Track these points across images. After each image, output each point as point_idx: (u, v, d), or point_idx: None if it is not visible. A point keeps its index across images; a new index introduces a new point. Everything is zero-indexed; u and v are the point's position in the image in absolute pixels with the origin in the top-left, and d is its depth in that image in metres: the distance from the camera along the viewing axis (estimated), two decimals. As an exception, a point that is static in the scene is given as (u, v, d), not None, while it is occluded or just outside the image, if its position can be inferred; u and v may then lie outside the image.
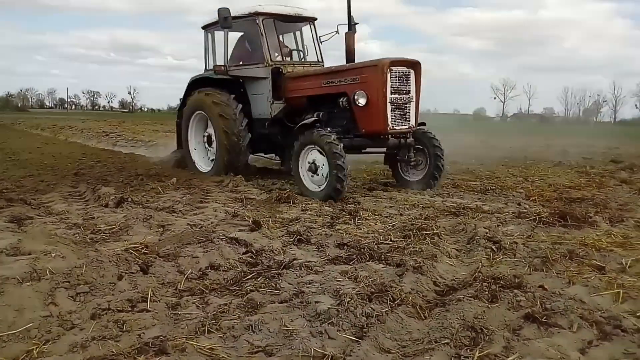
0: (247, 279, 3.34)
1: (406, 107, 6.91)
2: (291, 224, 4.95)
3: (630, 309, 2.95)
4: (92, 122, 31.95)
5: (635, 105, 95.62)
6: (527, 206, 6.17)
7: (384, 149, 7.41)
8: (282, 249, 4.07)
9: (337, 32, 8.00)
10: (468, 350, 2.37)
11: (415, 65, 6.95)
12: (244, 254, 3.88)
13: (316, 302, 2.92)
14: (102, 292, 3.00)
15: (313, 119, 6.99)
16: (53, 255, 3.36)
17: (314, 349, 2.37)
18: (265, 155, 9.13)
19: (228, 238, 4.12)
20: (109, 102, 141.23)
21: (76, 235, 4.31)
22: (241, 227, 4.67)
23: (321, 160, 6.49)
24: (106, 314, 2.74)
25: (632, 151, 16.43)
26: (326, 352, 2.35)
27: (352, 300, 2.88)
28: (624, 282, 3.35)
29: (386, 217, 5.46)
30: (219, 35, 8.50)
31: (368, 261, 3.78)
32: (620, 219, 5.39)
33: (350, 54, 7.76)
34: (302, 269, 3.56)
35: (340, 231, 4.70)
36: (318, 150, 6.51)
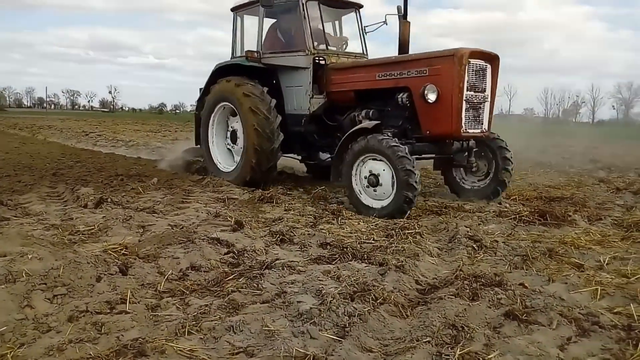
0: (228, 280, 3.31)
1: (480, 107, 5.94)
2: (274, 223, 4.92)
3: (607, 306, 3.00)
4: (72, 121, 31.47)
5: (613, 106, 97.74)
6: (507, 205, 6.24)
7: (443, 155, 6.41)
8: (264, 249, 4.04)
9: (385, 22, 7.25)
10: (449, 349, 2.38)
11: (493, 60, 6.01)
12: (225, 254, 3.84)
13: (298, 302, 2.91)
14: (80, 294, 2.94)
15: (375, 122, 5.83)
16: (29, 256, 3.29)
17: (296, 349, 2.35)
18: (288, 155, 7.95)
19: (210, 238, 4.08)
20: (89, 102, 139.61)
21: (54, 236, 4.22)
22: (223, 227, 4.62)
23: (382, 170, 5.49)
24: (84, 316, 2.68)
25: (610, 151, 16.76)
26: (308, 352, 2.33)
27: (335, 300, 2.87)
28: (602, 279, 3.41)
29: (369, 216, 5.46)
30: (250, 20, 7.70)
31: (351, 260, 3.78)
32: (598, 218, 5.49)
33: (404, 45, 6.72)
34: (285, 269, 3.54)
35: (323, 231, 4.70)
36: (377, 159, 5.52)
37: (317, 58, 6.89)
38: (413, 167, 5.25)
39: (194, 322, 2.62)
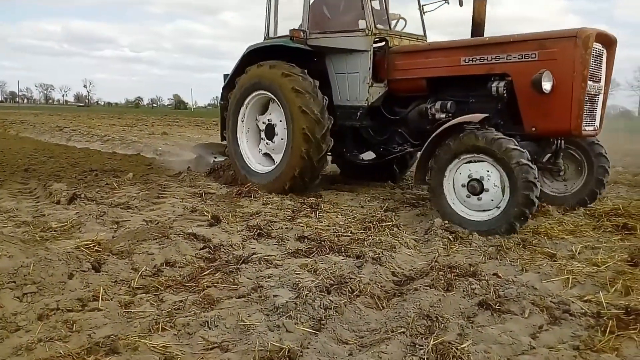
0: (204, 275, 3.27)
1: (596, 100, 5.01)
2: (252, 218, 4.89)
3: (578, 294, 3.07)
4: (46, 116, 30.74)
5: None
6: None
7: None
8: (241, 244, 4.02)
9: (446, 1, 6.54)
10: (423, 339, 2.40)
11: (612, 44, 5.03)
12: (201, 249, 3.80)
13: (275, 296, 2.90)
14: (51, 292, 2.88)
15: (483, 115, 4.71)
16: (-2, 254, 3.21)
17: (271, 343, 2.35)
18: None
19: (185, 234, 4.04)
20: (63, 96, 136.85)
21: (25, 233, 4.12)
22: (200, 222, 4.58)
23: (488, 174, 4.48)
24: (54, 314, 2.63)
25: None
26: (283, 346, 2.33)
27: (311, 293, 2.87)
28: (574, 268, 3.49)
29: (347, 209, 5.48)
30: None
31: (328, 254, 3.79)
32: (571, 208, 5.59)
33: (478, 27, 5.79)
34: (262, 263, 3.53)
35: (301, 224, 4.69)
36: (482, 161, 4.53)
37: (379, 40, 5.96)
38: (535, 178, 4.28)
39: (168, 318, 2.59)
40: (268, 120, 6.45)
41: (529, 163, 4.29)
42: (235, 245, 3.95)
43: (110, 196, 5.73)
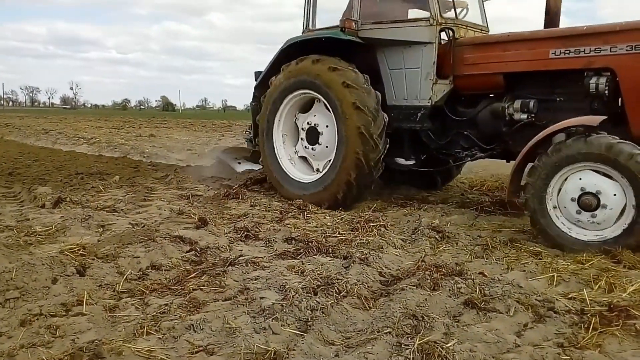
0: (190, 278, 3.25)
1: None
2: (239, 219, 4.87)
3: (563, 292, 3.10)
4: (31, 119, 30.39)
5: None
6: (470, 196, 6.36)
7: None
8: (228, 246, 4.00)
9: None
10: (409, 339, 2.41)
11: None
12: (188, 252, 3.78)
13: (261, 298, 2.89)
14: (34, 297, 2.84)
15: (601, 117, 4.00)
16: (-20, 260, 3.16)
17: (257, 346, 2.34)
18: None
19: (172, 236, 4.01)
20: (49, 98, 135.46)
21: (8, 238, 4.06)
22: (186, 225, 4.55)
23: (608, 188, 3.82)
24: (37, 319, 2.60)
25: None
26: (269, 348, 2.32)
27: (297, 295, 2.87)
28: (559, 266, 3.53)
29: (335, 210, 5.47)
30: None
31: (315, 255, 3.78)
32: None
33: (554, 17, 5.19)
34: (249, 265, 3.51)
35: (288, 226, 4.68)
36: (598, 171, 3.88)
37: (444, 30, 5.29)
38: None
39: (153, 322, 2.57)
40: (309, 122, 5.79)
41: None
42: (222, 247, 3.93)
43: (96, 199, 5.67)
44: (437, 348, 2.26)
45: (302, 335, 2.49)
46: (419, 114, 5.36)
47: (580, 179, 3.92)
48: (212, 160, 7.88)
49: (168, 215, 4.97)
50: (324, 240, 4.21)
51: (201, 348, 2.35)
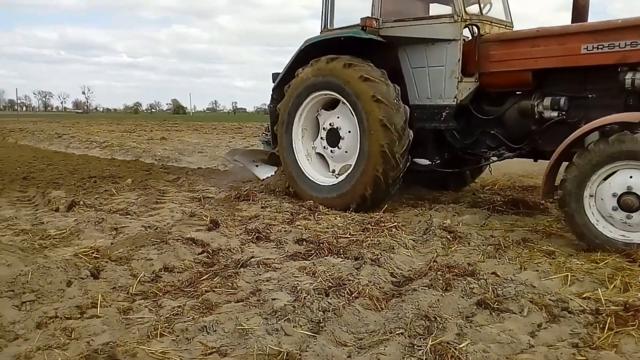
0: (202, 280, 3.27)
1: None
2: (250, 221, 4.89)
3: (577, 291, 3.07)
4: (44, 123, 30.75)
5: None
6: (482, 196, 6.32)
7: None
8: (240, 248, 4.02)
9: None
10: (422, 339, 2.40)
11: None
12: (200, 254, 3.80)
13: (273, 299, 2.90)
14: (49, 300, 2.88)
15: (635, 113, 3.95)
16: (-3, 263, 3.21)
17: (270, 347, 2.35)
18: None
19: (184, 239, 4.03)
20: (62, 103, 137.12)
21: (23, 241, 4.13)
22: (198, 227, 4.58)
23: None
24: (53, 322, 2.63)
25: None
26: (282, 349, 2.33)
27: (309, 296, 2.87)
28: (572, 266, 3.49)
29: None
30: None
31: (327, 256, 3.78)
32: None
33: (582, 12, 5.05)
34: (260, 266, 3.52)
35: (299, 227, 4.69)
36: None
37: (470, 27, 5.15)
38: None
39: (167, 324, 2.59)
40: (330, 124, 5.67)
41: None
42: (233, 249, 3.95)
43: (109, 202, 5.73)
44: (450, 349, 2.25)
45: (314, 336, 2.49)
46: (444, 113, 5.24)
47: (623, 178, 3.78)
48: (230, 164, 7.73)
49: (180, 217, 5.00)
50: (335, 241, 4.21)
51: (214, 349, 2.36)
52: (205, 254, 3.81)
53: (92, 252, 3.60)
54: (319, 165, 5.93)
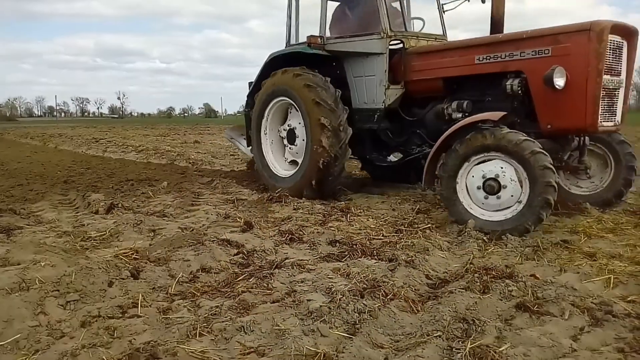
0: (238, 280, 3.32)
1: (615, 95, 4.81)
2: (283, 223, 4.93)
3: (621, 294, 2.97)
4: (82, 129, 31.74)
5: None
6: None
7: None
8: (274, 249, 4.05)
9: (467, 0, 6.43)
10: (460, 342, 2.37)
11: (632, 35, 4.82)
12: (235, 255, 3.86)
13: (308, 300, 2.92)
14: (92, 299, 2.97)
15: (501, 113, 4.64)
16: (42, 264, 3.33)
17: (307, 348, 2.36)
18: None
19: (219, 240, 4.10)
20: (98, 108, 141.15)
21: (66, 243, 4.26)
22: (233, 229, 4.65)
23: (504, 172, 4.40)
24: (96, 321, 2.71)
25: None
26: (319, 350, 2.34)
27: (344, 297, 2.88)
28: (615, 268, 3.38)
29: (378, 212, 5.45)
30: (308, 1, 6.78)
31: (360, 257, 3.78)
32: (600, 206, 5.40)
33: (498, 24, 5.64)
34: (294, 267, 3.55)
35: (332, 228, 4.70)
36: (499, 159, 4.45)
37: (394, 42, 5.99)
38: (551, 163, 4.26)
39: (205, 324, 2.64)
40: (289, 125, 6.61)
41: (543, 151, 4.26)
42: (268, 250, 3.99)
43: (146, 205, 5.87)
44: (489, 352, 2.22)
45: (350, 338, 2.49)
46: (376, 116, 6.12)
47: (482, 168, 4.52)
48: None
49: (215, 219, 5.08)
50: (368, 242, 4.20)
51: (252, 349, 2.39)
52: (240, 255, 3.86)
53: (132, 253, 3.70)
54: (282, 160, 6.83)
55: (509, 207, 4.41)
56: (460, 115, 5.42)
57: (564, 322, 2.60)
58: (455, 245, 4.20)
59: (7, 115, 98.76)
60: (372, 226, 4.81)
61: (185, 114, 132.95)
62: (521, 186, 4.34)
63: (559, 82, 4.55)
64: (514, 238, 4.16)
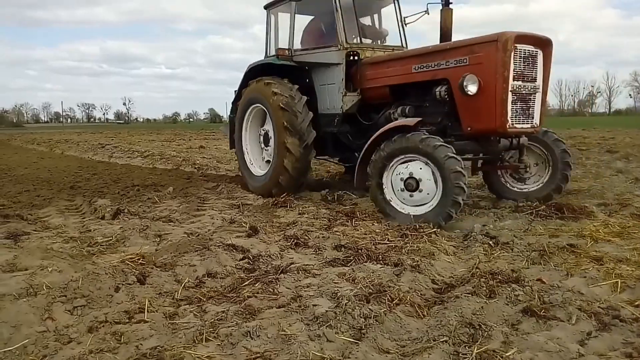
0: (244, 285, 3.33)
1: (530, 99, 5.30)
2: (288, 228, 4.94)
3: (628, 299, 2.95)
4: (88, 134, 31.92)
5: (630, 94, 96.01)
6: (523, 200, 6.15)
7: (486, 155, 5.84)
8: (279, 254, 4.06)
9: (426, 12, 6.78)
10: (466, 347, 2.36)
11: (545, 45, 5.31)
12: (241, 260, 3.87)
13: (314, 305, 2.91)
14: (99, 305, 2.98)
15: (417, 119, 5.27)
16: (49, 269, 3.35)
17: (313, 353, 2.36)
18: (332, 160, 7.97)
19: (225, 245, 4.11)
20: (104, 114, 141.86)
21: (73, 248, 4.29)
22: (238, 234, 4.66)
23: (422, 172, 4.96)
24: (103, 326, 2.72)
25: (627, 140, 16.46)
26: (325, 355, 2.34)
27: (350, 302, 2.87)
28: (622, 272, 3.36)
29: (383, 217, 5.44)
30: (284, 16, 7.40)
31: (366, 262, 3.77)
32: (617, 209, 5.40)
33: (446, 35, 6.20)
34: (300, 272, 3.55)
35: (337, 233, 4.70)
36: (416, 160, 5.00)
37: (349, 53, 6.53)
38: (462, 167, 4.78)
39: (211, 329, 2.64)
40: (265, 129, 7.24)
41: (455, 155, 4.76)
42: (273, 255, 3.99)
43: (152, 210, 5.90)
44: (496, 357, 2.21)
45: (356, 343, 2.49)
46: (335, 120, 6.71)
47: (406, 167, 5.05)
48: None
49: (220, 224, 5.10)
50: (373, 247, 4.20)
51: (258, 355, 2.39)
52: (246, 259, 3.87)
53: (138, 259, 3.72)
54: (261, 161, 7.46)
55: (426, 204, 4.97)
56: (406, 119, 5.80)
57: (571, 327, 2.58)
58: (461, 249, 4.20)
59: (14, 121, 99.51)
60: (377, 231, 4.80)
61: (191, 119, 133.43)
62: (436, 185, 4.86)
63: (471, 88, 5.07)
64: (520, 242, 4.15)
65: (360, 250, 4.04)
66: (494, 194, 6.33)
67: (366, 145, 5.45)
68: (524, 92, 5.20)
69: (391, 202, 5.22)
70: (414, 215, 4.97)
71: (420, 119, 5.31)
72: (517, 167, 5.85)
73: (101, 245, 4.40)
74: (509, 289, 3.00)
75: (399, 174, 5.12)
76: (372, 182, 5.29)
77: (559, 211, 5.17)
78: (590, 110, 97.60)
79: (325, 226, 5.03)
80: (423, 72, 5.73)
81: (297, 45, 7.31)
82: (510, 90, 5.04)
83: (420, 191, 4.99)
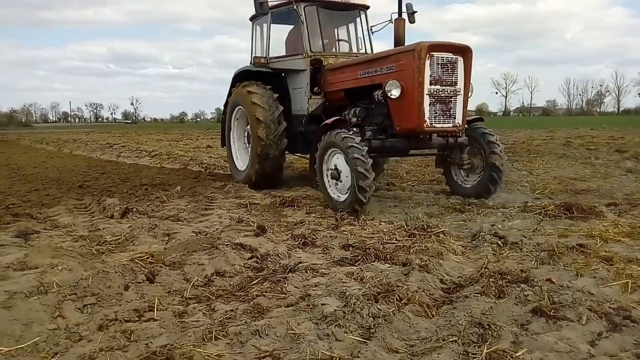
0: (253, 284, 3.33)
1: (451, 101, 5.78)
2: (296, 227, 4.94)
3: (639, 299, 2.92)
4: (96, 134, 32.12)
5: (638, 93, 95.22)
6: (532, 200, 6.13)
7: (430, 151, 6.50)
8: (287, 253, 4.07)
9: (390, 21, 7.24)
10: (476, 347, 2.36)
11: (463, 52, 5.79)
12: (249, 259, 3.88)
13: (322, 304, 2.92)
14: (109, 303, 3.00)
15: (334, 118, 6.18)
16: (59, 268, 3.38)
17: (321, 352, 2.36)
18: (303, 156, 8.67)
19: (233, 244, 4.12)
20: (112, 114, 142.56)
21: (82, 247, 4.32)
22: (246, 233, 4.67)
23: (342, 163, 5.73)
24: (113, 324, 2.74)
25: (637, 140, 16.32)
26: (334, 355, 2.34)
27: (359, 302, 2.87)
28: (633, 272, 3.33)
29: (391, 216, 5.45)
30: (266, 27, 8.01)
31: (374, 261, 3.77)
32: (626, 209, 5.35)
33: (399, 43, 6.86)
34: (308, 271, 3.55)
35: (345, 232, 4.70)
36: (338, 153, 5.76)
37: (314, 60, 7.20)
38: (363, 155, 5.39)
39: (220, 327, 2.65)
40: (248, 129, 7.93)
41: (357, 145, 5.46)
42: (281, 254, 4.00)
43: (161, 209, 5.93)
44: (506, 357, 2.20)
45: (365, 342, 2.49)
46: (303, 120, 7.43)
47: (334, 159, 5.87)
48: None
49: (228, 223, 5.11)
50: (381, 247, 4.20)
51: (267, 353, 2.40)
52: (254, 259, 3.87)
53: (147, 257, 3.74)
54: (245, 157, 8.17)
55: (347, 192, 5.66)
56: (355, 119, 6.50)
57: (581, 327, 2.57)
58: (470, 249, 4.18)
59: (23, 120, 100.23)
60: (385, 230, 4.80)
61: (198, 119, 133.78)
62: (350, 177, 5.52)
63: (394, 92, 5.72)
64: (529, 242, 4.13)
65: (368, 250, 4.03)
66: (451, 190, 6.83)
67: (313, 142, 6.29)
68: (442, 95, 5.73)
69: (328, 190, 6.01)
70: (340, 202, 5.74)
71: (338, 117, 6.30)
72: (460, 165, 6.47)
73: (110, 244, 4.43)
74: (518, 289, 2.99)
75: (329, 165, 5.98)
76: (318, 172, 6.10)
77: (568, 211, 5.14)
78: (598, 110, 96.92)
79: (333, 225, 5.03)
80: (366, 77, 6.39)
81: (280, 52, 8.04)
82: (427, 94, 5.61)
83: (341, 181, 5.79)
